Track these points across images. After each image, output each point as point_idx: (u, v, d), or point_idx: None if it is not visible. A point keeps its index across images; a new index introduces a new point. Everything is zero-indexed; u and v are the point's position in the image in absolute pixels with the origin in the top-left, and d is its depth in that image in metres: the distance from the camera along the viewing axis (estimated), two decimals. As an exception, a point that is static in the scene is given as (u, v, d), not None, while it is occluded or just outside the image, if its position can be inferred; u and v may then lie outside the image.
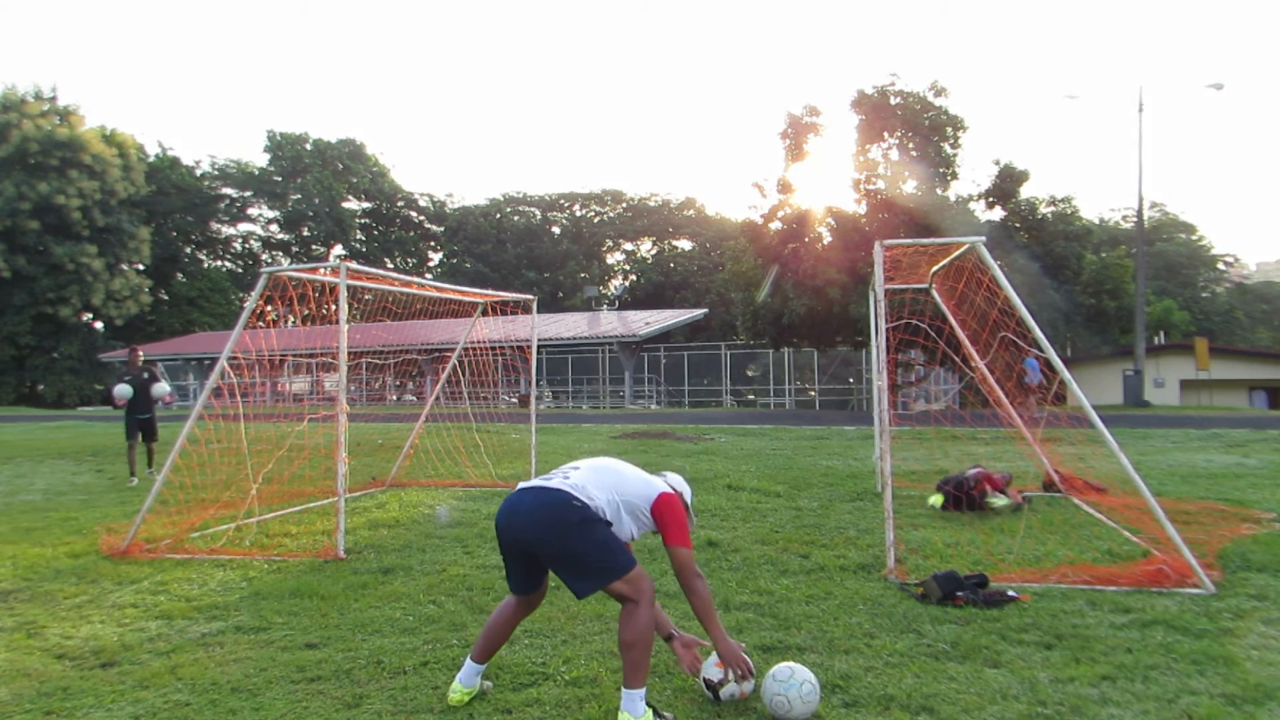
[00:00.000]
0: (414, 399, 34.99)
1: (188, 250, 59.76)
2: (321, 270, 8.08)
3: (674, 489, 3.77)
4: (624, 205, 61.61)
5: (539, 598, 3.84)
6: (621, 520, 3.59)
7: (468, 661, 3.77)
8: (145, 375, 11.77)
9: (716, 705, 3.63)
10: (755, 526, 7.51)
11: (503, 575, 5.89)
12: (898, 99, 25.23)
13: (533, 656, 4.25)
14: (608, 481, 3.61)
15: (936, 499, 8.25)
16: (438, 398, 11.79)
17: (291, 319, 8.02)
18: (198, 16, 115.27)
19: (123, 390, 11.27)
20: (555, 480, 3.56)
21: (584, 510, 3.43)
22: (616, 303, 51.58)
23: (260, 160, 61.10)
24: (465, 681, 3.73)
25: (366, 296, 9.82)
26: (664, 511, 3.62)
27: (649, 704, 3.47)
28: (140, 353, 12.19)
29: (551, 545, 3.43)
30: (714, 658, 3.64)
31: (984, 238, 6.36)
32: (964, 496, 7.98)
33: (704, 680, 3.65)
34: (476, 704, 3.72)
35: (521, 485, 3.63)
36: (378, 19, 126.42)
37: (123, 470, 12.25)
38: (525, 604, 3.80)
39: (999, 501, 7.98)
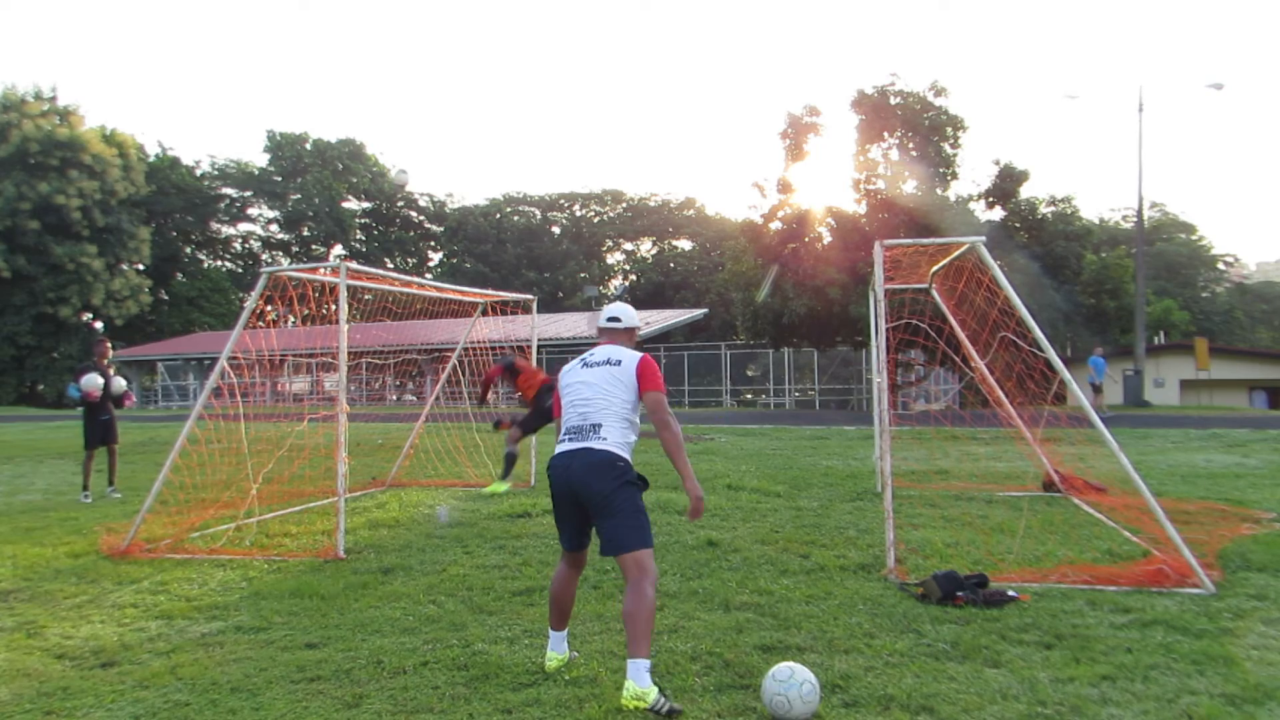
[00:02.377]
0: (414, 399, 34.99)
1: (188, 250, 59.76)
2: (321, 270, 8.09)
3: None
4: (624, 205, 61.59)
5: (584, 556, 4.17)
6: (636, 429, 4.04)
7: (551, 632, 4.14)
8: (112, 370, 10.74)
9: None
10: (755, 526, 7.52)
11: (502, 575, 5.92)
12: (898, 99, 25.22)
13: (533, 656, 4.25)
14: (616, 412, 3.95)
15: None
16: (438, 398, 11.79)
17: (291, 319, 8.02)
18: (198, 16, 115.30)
19: (93, 380, 10.13)
20: (596, 442, 3.89)
21: (626, 472, 3.86)
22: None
23: (260, 160, 61.12)
24: (557, 649, 4.11)
25: (366, 296, 9.82)
26: (644, 369, 4.00)
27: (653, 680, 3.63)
28: (109, 346, 11.12)
29: (601, 496, 3.80)
30: None
31: (984, 238, 6.36)
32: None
33: None
34: (476, 704, 3.72)
35: (564, 448, 3.97)
36: (378, 19, 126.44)
37: (123, 470, 12.15)
38: (575, 564, 4.15)
39: None
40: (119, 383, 10.53)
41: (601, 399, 3.97)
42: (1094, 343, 27.39)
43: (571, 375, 4.15)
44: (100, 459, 10.48)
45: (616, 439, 3.90)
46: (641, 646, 3.60)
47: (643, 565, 3.72)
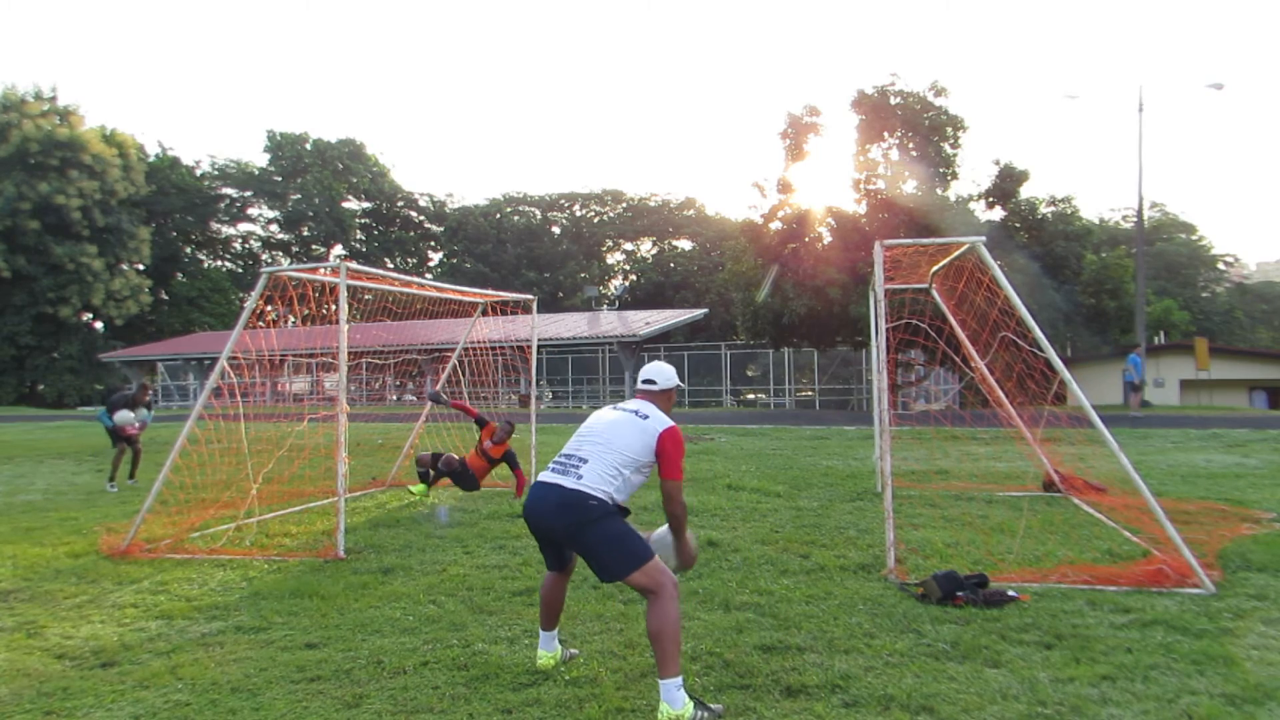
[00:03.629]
0: (414, 399, 34.99)
1: (188, 250, 59.75)
2: (321, 270, 8.08)
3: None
4: (624, 205, 61.59)
5: (571, 568, 4.18)
6: (630, 485, 3.83)
7: (541, 632, 4.18)
8: (143, 408, 11.73)
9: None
10: (755, 526, 7.51)
11: (502, 575, 5.93)
12: (898, 99, 25.21)
13: (533, 656, 4.25)
14: (612, 457, 3.79)
15: None
16: (438, 398, 11.77)
17: (291, 319, 8.02)
18: (198, 16, 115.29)
19: (124, 417, 11.33)
20: (570, 479, 3.76)
21: (600, 507, 3.68)
22: (616, 303, 51.56)
23: (260, 160, 61.11)
24: (546, 647, 4.15)
25: (366, 296, 9.82)
26: (667, 445, 3.80)
27: (690, 694, 3.55)
28: (150, 391, 12.31)
29: (574, 538, 3.72)
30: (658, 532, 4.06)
31: (984, 238, 6.36)
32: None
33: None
34: (476, 704, 3.72)
35: (543, 478, 3.86)
36: (378, 19, 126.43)
37: (123, 470, 12.22)
38: (563, 575, 4.15)
39: None
40: (138, 414, 11.58)
41: (604, 439, 3.84)
42: (1094, 343, 27.36)
43: (596, 414, 4.06)
44: (127, 455, 11.54)
45: (594, 479, 3.71)
46: (669, 666, 3.48)
47: (650, 581, 3.60)
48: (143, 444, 11.92)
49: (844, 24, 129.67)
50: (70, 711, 3.74)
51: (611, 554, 3.65)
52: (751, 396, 37.75)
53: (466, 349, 11.43)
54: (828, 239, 25.39)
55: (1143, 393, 22.86)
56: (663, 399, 4.09)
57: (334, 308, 7.19)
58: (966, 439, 14.27)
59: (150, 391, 12.35)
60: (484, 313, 11.33)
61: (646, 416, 3.89)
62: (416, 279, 9.02)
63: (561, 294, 57.69)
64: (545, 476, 3.85)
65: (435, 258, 65.10)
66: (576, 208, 62.50)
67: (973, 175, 26.14)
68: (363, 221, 63.84)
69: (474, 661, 4.21)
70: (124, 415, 11.32)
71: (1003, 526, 7.25)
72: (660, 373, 4.15)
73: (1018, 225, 26.12)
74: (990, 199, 26.32)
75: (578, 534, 3.67)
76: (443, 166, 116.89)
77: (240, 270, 60.71)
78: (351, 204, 62.91)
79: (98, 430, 22.56)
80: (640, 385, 4.15)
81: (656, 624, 3.52)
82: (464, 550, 6.76)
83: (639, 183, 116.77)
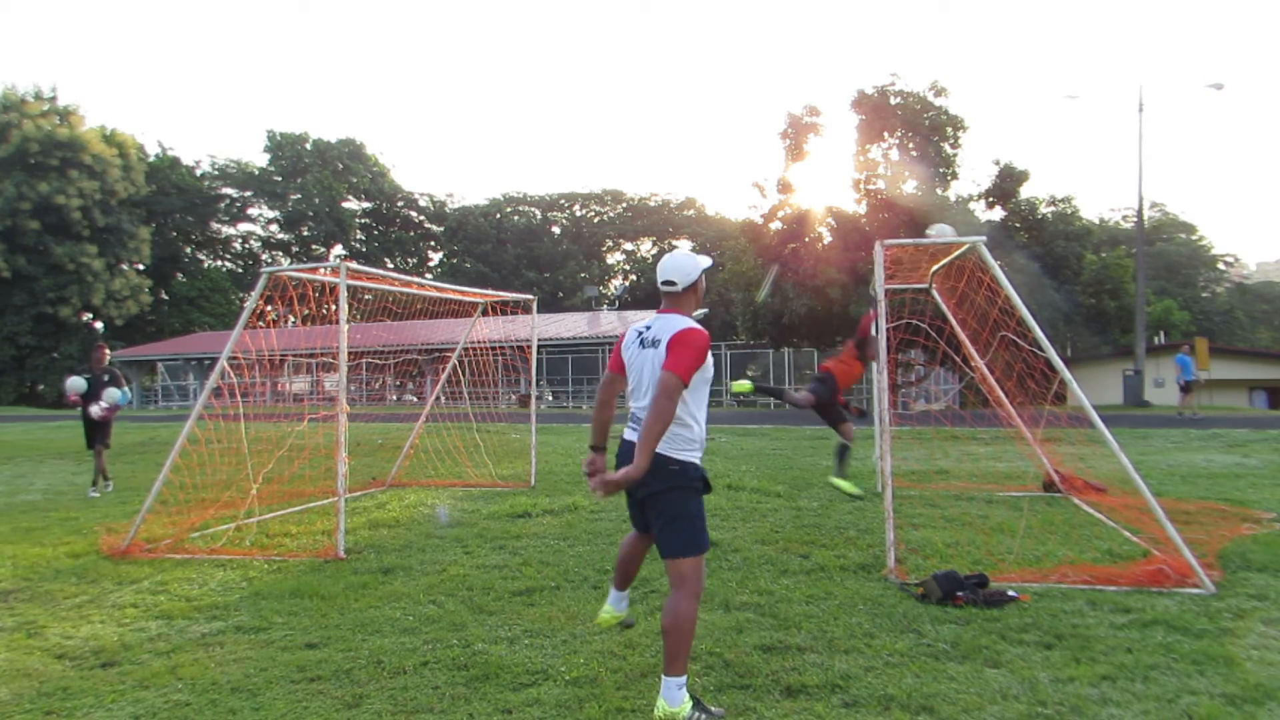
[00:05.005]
0: (414, 399, 34.98)
1: (188, 250, 59.80)
2: (321, 270, 8.08)
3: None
4: (624, 205, 61.65)
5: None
6: (682, 437, 3.55)
7: (611, 589, 4.12)
8: (106, 377, 10.59)
9: None
10: (755, 526, 7.51)
11: (502, 575, 5.92)
12: (898, 99, 25.23)
13: (533, 656, 4.25)
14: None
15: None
16: (438, 398, 11.79)
17: (291, 319, 8.02)
18: (198, 16, 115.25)
19: (75, 383, 10.20)
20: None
21: (676, 475, 3.51)
22: (616, 303, 51.56)
23: (260, 160, 61.24)
24: (615, 605, 4.13)
25: (366, 296, 9.82)
26: (674, 343, 3.42)
27: (692, 694, 3.50)
28: (107, 352, 10.96)
29: (655, 501, 3.56)
30: None
31: (984, 237, 6.36)
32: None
33: None
34: (476, 704, 3.72)
35: (626, 437, 3.67)
36: (378, 19, 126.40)
37: (123, 471, 12.21)
38: (646, 537, 3.91)
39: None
40: (110, 393, 10.38)
41: (648, 389, 3.53)
42: (1094, 343, 27.35)
43: (629, 351, 3.71)
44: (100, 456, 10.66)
45: (666, 438, 3.46)
46: (675, 664, 3.41)
47: (683, 575, 3.47)
48: (111, 446, 10.95)
49: (844, 24, 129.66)
50: (70, 711, 3.74)
51: (673, 529, 3.50)
52: (752, 396, 37.74)
53: (466, 349, 11.43)
54: (828, 239, 25.41)
55: (1193, 393, 22.18)
56: (687, 299, 3.66)
57: (334, 308, 7.18)
58: (966, 439, 14.26)
59: (104, 356, 10.76)
60: (484, 313, 11.33)
61: (656, 343, 3.51)
62: (416, 279, 9.02)
63: (561, 294, 57.71)
64: (627, 435, 3.68)
65: (435, 258, 65.18)
66: (576, 208, 62.54)
67: (973, 175, 26.25)
68: (363, 221, 63.88)
69: (474, 661, 4.21)
70: (73, 382, 10.21)
71: (1003, 526, 7.24)
72: (679, 269, 3.62)
73: (1018, 225, 26.14)
74: (990, 199, 26.34)
75: (657, 499, 3.53)
76: (443, 166, 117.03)
77: (240, 270, 60.76)
78: (351, 204, 62.97)
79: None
80: (662, 289, 3.67)
81: (672, 619, 3.42)
82: (464, 550, 6.76)
83: (639, 183, 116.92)
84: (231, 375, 7.57)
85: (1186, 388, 21.95)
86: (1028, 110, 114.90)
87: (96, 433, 10.63)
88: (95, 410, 10.40)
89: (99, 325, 50.18)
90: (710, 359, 3.55)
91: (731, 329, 35.84)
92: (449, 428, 11.91)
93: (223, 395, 7.56)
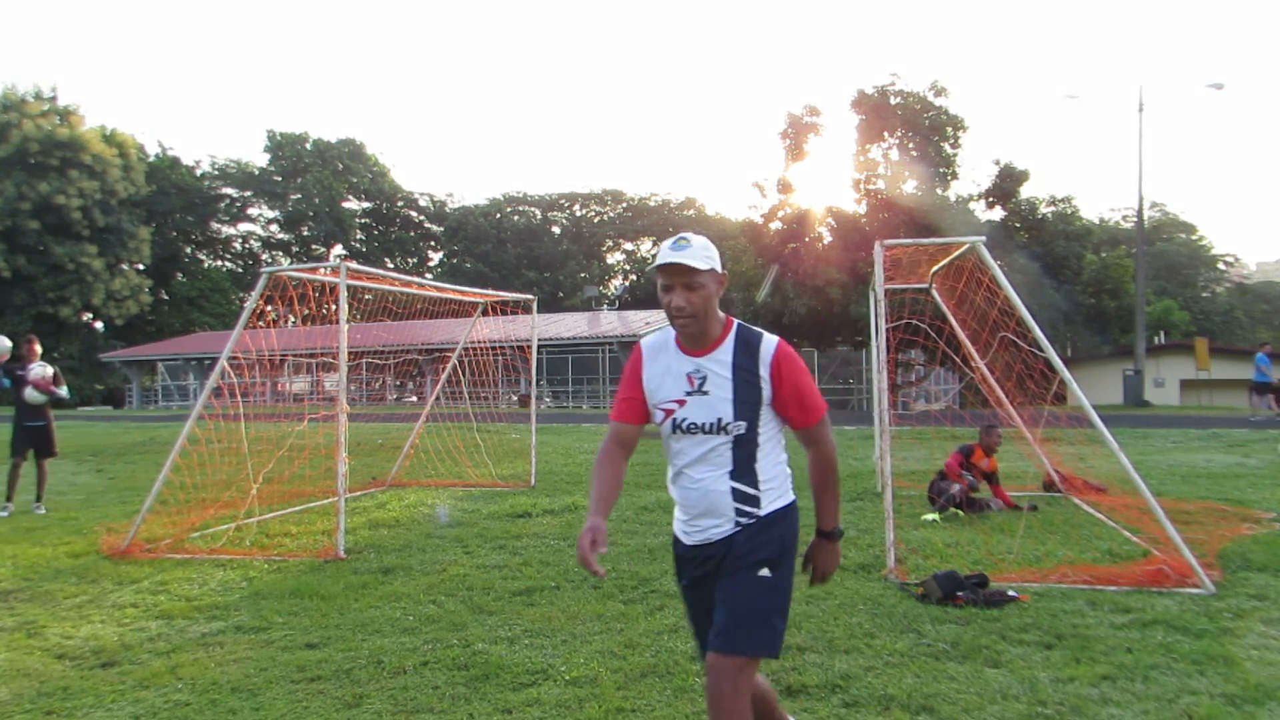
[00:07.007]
0: (414, 399, 34.97)
1: (188, 250, 59.81)
2: (321, 270, 8.09)
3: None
4: (624, 205, 61.69)
5: None
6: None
7: None
8: (40, 374, 9.13)
9: None
10: (755, 526, 7.49)
11: (502, 575, 5.92)
12: (898, 99, 25.20)
13: (533, 656, 4.24)
14: None
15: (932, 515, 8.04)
16: (438, 398, 11.79)
17: (291, 319, 8.02)
18: (198, 16, 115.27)
19: None
20: None
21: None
22: (616, 303, 51.57)
23: (260, 160, 61.23)
24: None
25: (366, 296, 9.82)
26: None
27: None
28: (37, 346, 9.45)
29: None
30: None
31: (984, 238, 6.36)
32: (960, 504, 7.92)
33: None
34: (476, 704, 3.72)
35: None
36: (377, 19, 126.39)
37: (123, 470, 12.15)
38: None
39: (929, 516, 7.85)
40: (35, 368, 9.09)
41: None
42: (1094, 343, 27.32)
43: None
44: (29, 469, 9.26)
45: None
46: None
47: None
48: (57, 455, 9.57)
49: (844, 24, 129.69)
50: (70, 711, 3.74)
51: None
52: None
53: (466, 349, 11.43)
54: (828, 239, 25.39)
55: (1267, 396, 21.12)
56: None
57: (334, 308, 7.19)
58: (967, 439, 14.23)
59: (36, 347, 9.35)
60: (484, 313, 11.33)
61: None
62: (416, 279, 9.03)
63: (561, 294, 57.72)
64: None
65: (435, 258, 65.22)
66: (576, 208, 62.57)
67: (973, 175, 26.16)
68: (363, 221, 63.89)
69: (474, 661, 4.20)
70: None
71: (1003, 526, 7.25)
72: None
73: (1018, 225, 26.12)
74: (990, 199, 26.32)
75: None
76: (443, 166, 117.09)
77: (240, 270, 60.76)
78: (351, 204, 62.97)
79: (98, 430, 22.57)
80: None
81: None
82: (464, 550, 6.76)
83: (639, 183, 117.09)
84: (231, 375, 7.57)
85: (1261, 390, 21.04)
86: (1028, 110, 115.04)
87: (32, 440, 9.19)
88: (29, 393, 9.05)
89: (99, 325, 50.21)
90: None
91: (731, 329, 35.77)
92: (449, 428, 11.91)
93: (223, 395, 7.56)
